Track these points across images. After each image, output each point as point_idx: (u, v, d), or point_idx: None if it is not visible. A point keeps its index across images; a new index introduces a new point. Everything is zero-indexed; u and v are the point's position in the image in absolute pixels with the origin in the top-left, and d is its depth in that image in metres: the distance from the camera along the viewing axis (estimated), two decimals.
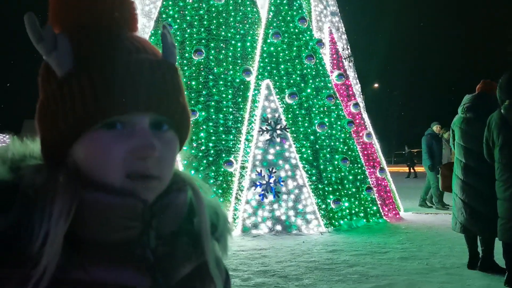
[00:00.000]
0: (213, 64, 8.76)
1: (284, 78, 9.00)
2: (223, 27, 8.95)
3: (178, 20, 9.05)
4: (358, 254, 6.36)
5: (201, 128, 8.40)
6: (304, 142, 8.73)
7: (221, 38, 8.91)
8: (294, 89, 8.85)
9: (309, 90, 9.09)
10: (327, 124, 8.94)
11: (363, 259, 6.10)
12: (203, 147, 8.35)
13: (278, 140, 8.39)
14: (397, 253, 6.42)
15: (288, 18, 9.27)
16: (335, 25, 11.02)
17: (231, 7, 9.04)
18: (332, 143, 9.00)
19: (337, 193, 8.62)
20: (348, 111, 10.04)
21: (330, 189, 8.61)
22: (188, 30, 8.98)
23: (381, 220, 9.22)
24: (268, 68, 8.92)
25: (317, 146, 8.79)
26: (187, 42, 8.89)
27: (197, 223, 0.84)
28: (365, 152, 10.09)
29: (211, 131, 8.46)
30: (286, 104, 8.77)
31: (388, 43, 54.90)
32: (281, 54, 9.07)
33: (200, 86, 8.66)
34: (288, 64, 9.11)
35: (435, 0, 59.74)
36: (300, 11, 9.43)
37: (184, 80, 8.52)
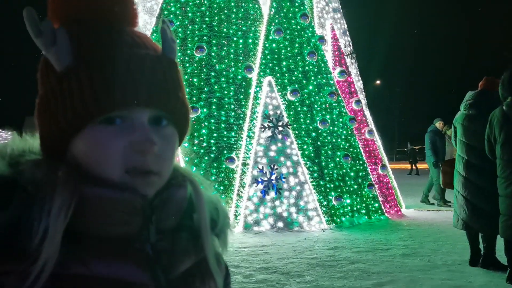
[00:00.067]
0: (215, 61, 8.75)
1: (286, 75, 8.98)
2: (225, 23, 8.94)
3: (180, 17, 9.05)
4: (359, 251, 6.36)
5: (203, 125, 8.40)
6: (306, 139, 8.72)
7: (223, 34, 8.90)
8: (296, 86, 8.83)
9: (311, 87, 9.07)
10: (329, 121, 8.92)
11: (364, 256, 6.10)
12: (204, 144, 8.35)
13: (280, 137, 8.38)
14: (399, 250, 6.42)
15: (290, 14, 9.25)
16: (337, 22, 10.99)
17: (233, 4, 9.02)
18: (334, 140, 8.99)
19: (339, 190, 8.61)
20: (350, 108, 10.02)
21: (332, 186, 8.60)
22: (190, 27, 8.98)
23: (382, 217, 9.22)
24: (270, 65, 8.91)
25: (319, 143, 8.79)
26: (189, 39, 8.89)
27: (197, 219, 0.84)
28: (367, 149, 10.09)
29: (213, 128, 8.46)
30: (288, 101, 8.75)
31: (390, 39, 54.85)
32: (283, 51, 9.05)
33: (202, 83, 8.66)
34: (290, 61, 9.09)
35: None
36: (302, 7, 9.41)
37: (186, 77, 8.60)
